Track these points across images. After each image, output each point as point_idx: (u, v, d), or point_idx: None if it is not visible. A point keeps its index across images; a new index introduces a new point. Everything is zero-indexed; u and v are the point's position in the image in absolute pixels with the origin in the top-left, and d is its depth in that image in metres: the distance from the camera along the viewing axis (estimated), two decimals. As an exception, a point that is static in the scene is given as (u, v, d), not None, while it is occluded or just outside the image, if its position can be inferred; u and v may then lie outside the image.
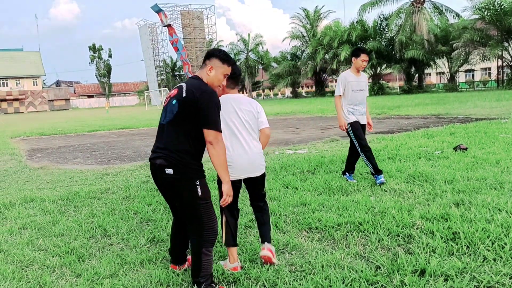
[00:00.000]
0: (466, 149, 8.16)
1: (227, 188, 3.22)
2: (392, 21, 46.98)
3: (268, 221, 3.82)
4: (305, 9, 57.67)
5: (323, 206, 5.21)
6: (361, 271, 3.35)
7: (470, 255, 3.55)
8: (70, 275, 3.68)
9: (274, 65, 65.23)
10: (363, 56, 6.19)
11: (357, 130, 6.31)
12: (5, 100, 71.52)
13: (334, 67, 49.28)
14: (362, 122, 6.38)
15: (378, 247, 3.89)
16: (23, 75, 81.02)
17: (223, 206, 3.35)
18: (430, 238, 3.93)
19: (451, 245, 3.73)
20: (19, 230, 4.93)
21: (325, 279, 3.25)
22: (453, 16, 47.02)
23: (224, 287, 3.27)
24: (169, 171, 3.10)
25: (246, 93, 73.44)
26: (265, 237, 3.73)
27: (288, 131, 15.09)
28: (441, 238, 3.89)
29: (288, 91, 70.75)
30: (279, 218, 4.88)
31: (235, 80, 3.61)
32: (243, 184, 3.76)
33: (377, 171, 6.17)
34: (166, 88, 62.98)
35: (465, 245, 3.71)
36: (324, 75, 57.74)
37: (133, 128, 20.61)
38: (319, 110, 25.19)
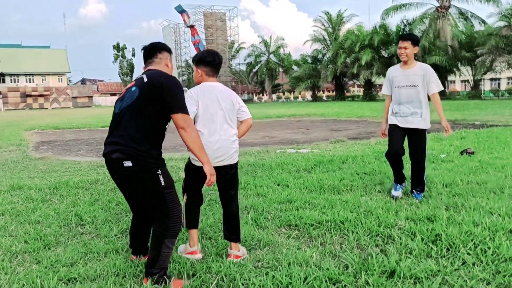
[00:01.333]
0: (473, 153, 7.85)
1: (208, 168, 3.12)
2: (416, 26, 46.21)
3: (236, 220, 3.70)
4: (328, 13, 57.28)
5: (309, 204, 5.02)
6: (327, 269, 3.16)
7: (448, 258, 3.32)
8: (31, 261, 3.58)
9: (295, 68, 64.97)
10: (399, 43, 5.14)
11: (389, 134, 5.31)
12: (30, 95, 72.83)
13: (355, 71, 48.75)
14: (405, 126, 5.12)
15: (354, 247, 3.69)
16: (49, 72, 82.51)
17: (208, 186, 3.23)
18: (410, 239, 3.71)
19: (430, 247, 3.50)
20: (-5, 217, 4.86)
21: (286, 276, 3.06)
22: (479, 22, 45.97)
23: (178, 280, 3.10)
24: (128, 163, 2.92)
25: (266, 95, 73.34)
26: (231, 232, 3.63)
27: (297, 132, 14.88)
28: (422, 240, 3.67)
29: (308, 95, 70.35)
30: (260, 214, 4.72)
31: (215, 68, 3.58)
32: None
33: (396, 180, 5.35)
34: (186, 88, 63.25)
35: (445, 248, 3.48)
36: (344, 79, 57.21)
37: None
38: (334, 113, 24.86)
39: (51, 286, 3.05)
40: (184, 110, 3.01)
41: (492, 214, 4.23)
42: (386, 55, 48.82)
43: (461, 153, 7.96)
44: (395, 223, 4.11)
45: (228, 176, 3.57)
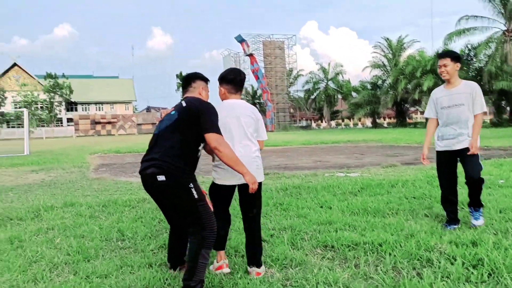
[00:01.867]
0: (535, 179, 7.32)
1: (249, 177, 3.23)
2: (481, 50, 44.38)
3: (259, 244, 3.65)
4: (388, 39, 56.43)
5: (349, 226, 4.89)
6: (355, 290, 3.03)
7: (489, 283, 3.09)
8: (69, 272, 3.72)
9: (354, 94, 64.25)
10: (439, 61, 4.85)
11: (438, 165, 5.00)
12: (99, 123, 76.87)
13: (416, 97, 47.38)
14: (453, 148, 4.75)
15: (390, 269, 3.53)
16: (117, 101, 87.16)
17: (251, 192, 3.30)
18: (450, 263, 3.49)
19: (471, 272, 3.27)
20: (46, 230, 5.12)
21: (311, 295, 2.97)
22: (551, 45, 43.45)
23: None
24: (161, 178, 3.10)
25: (325, 121, 72.84)
26: (251, 259, 3.60)
27: (351, 156, 14.59)
28: (462, 264, 3.44)
29: (368, 121, 69.12)
30: (297, 234, 4.66)
31: (236, 85, 3.64)
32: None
33: (450, 220, 4.87)
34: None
35: (486, 273, 3.24)
36: (405, 105, 55.72)
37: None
38: (392, 139, 24.19)
39: (82, 295, 3.15)
40: (217, 130, 3.20)
41: (546, 241, 3.90)
42: (449, 81, 47.10)
43: (523, 178, 7.45)
44: (436, 247, 3.90)
45: (248, 196, 3.49)
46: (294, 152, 17.90)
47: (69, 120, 78.96)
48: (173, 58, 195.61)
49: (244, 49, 67.58)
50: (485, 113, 4.86)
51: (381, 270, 3.50)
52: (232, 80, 3.61)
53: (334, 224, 4.97)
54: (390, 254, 3.85)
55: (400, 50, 55.51)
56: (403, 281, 3.09)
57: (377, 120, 62.61)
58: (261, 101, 72.41)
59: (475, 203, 4.77)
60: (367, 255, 3.88)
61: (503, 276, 3.14)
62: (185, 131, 3.22)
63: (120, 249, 4.36)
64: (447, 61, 4.76)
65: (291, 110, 70.07)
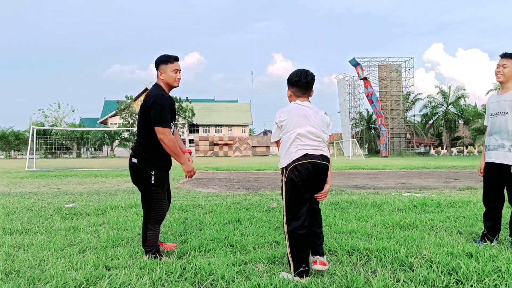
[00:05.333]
0: None
1: (185, 167, 3.99)
2: None
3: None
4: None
5: (367, 236, 4.94)
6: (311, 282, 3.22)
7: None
8: (91, 253, 4.38)
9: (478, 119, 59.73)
10: (499, 61, 4.44)
11: (483, 178, 4.68)
12: (217, 144, 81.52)
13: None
14: (494, 161, 4.40)
15: (368, 271, 3.61)
16: (235, 124, 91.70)
17: (187, 177, 4.00)
18: (426, 271, 3.47)
19: (448, 279, 3.25)
20: (102, 223, 5.92)
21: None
22: None
23: (171, 259, 3.89)
24: (134, 160, 3.93)
25: (444, 148, 68.53)
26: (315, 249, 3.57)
27: (440, 180, 13.85)
28: (441, 272, 3.40)
29: (494, 149, 63.39)
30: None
31: (301, 88, 3.56)
32: None
33: (489, 234, 4.56)
34: (355, 139, 63.18)
35: (454, 279, 3.19)
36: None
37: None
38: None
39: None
40: (163, 124, 3.78)
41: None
42: None
43: None
44: (420, 253, 3.86)
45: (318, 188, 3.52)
46: (386, 175, 17.42)
47: (191, 141, 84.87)
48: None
49: (358, 73, 67.07)
50: None
51: (357, 271, 3.60)
52: (296, 82, 3.55)
53: (353, 234, 5.05)
54: (380, 260, 3.91)
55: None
56: (359, 279, 3.19)
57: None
58: (376, 125, 70.70)
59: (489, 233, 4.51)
60: (359, 259, 3.98)
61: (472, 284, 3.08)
62: (147, 123, 3.86)
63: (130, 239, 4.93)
64: (509, 62, 4.36)
65: (407, 136, 67.28)
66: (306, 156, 3.39)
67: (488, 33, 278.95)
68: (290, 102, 3.68)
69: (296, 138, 3.45)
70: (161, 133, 3.77)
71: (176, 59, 4.00)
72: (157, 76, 4.00)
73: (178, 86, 4.07)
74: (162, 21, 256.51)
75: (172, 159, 4.07)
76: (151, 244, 3.96)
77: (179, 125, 79.97)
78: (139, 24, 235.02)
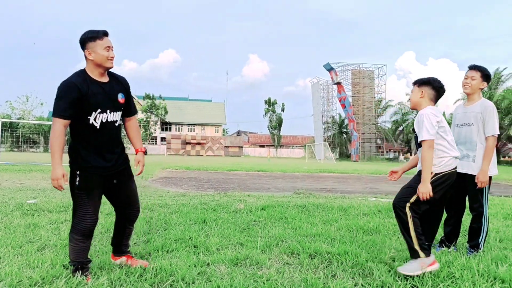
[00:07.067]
0: None
1: (52, 173, 3.18)
2: None
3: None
4: (484, 71, 53.22)
5: (331, 239, 4.99)
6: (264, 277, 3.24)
7: (401, 292, 3.12)
8: (50, 250, 4.28)
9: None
10: (467, 72, 4.58)
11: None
12: (189, 143, 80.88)
13: (511, 133, 44.09)
14: (459, 170, 4.24)
15: (328, 275, 3.65)
16: (208, 123, 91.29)
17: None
18: (388, 274, 3.54)
19: (404, 283, 3.32)
20: (63, 220, 5.80)
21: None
22: None
23: (90, 278, 3.35)
24: (68, 157, 3.42)
25: (414, 155, 69.98)
26: None
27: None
28: (395, 275, 3.47)
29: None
30: (274, 241, 4.83)
31: (439, 95, 3.92)
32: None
33: (447, 240, 4.74)
34: (326, 143, 63.86)
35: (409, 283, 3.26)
36: (499, 142, 51.91)
37: (267, 172, 21.54)
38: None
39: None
40: (55, 114, 3.19)
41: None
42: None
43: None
44: (382, 260, 3.94)
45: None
46: (354, 179, 17.67)
47: (163, 139, 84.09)
48: (268, 84, 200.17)
49: (332, 78, 67.72)
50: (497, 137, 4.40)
51: (317, 274, 3.64)
52: (438, 88, 3.88)
53: (317, 237, 5.10)
54: (341, 263, 3.96)
55: (496, 83, 52.17)
56: (318, 282, 3.23)
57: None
58: (348, 130, 71.59)
59: (469, 241, 4.58)
60: (321, 263, 4.02)
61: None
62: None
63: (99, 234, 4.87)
64: (477, 74, 4.49)
65: (378, 141, 68.39)
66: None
67: (458, 44, 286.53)
68: (416, 102, 3.92)
69: None
70: (53, 123, 3.20)
71: (105, 33, 3.35)
72: (85, 57, 3.35)
73: (112, 67, 3.42)
74: (137, 15, 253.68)
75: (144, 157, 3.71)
76: (72, 258, 3.39)
77: (151, 122, 79.13)
78: (112, 18, 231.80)
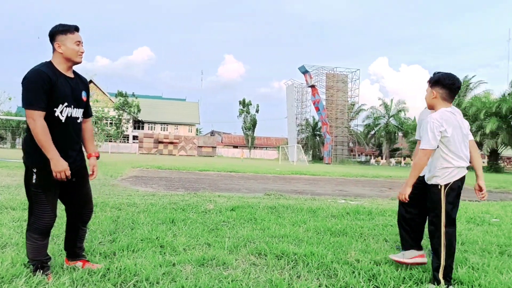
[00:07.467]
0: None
1: (53, 164, 3.11)
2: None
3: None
4: (453, 78, 54.56)
5: (298, 240, 5.04)
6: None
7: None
8: (11, 248, 4.18)
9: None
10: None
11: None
12: (162, 142, 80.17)
13: (478, 140, 45.30)
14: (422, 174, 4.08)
15: (293, 276, 3.67)
16: (181, 122, 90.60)
17: (56, 177, 3.14)
18: (352, 275, 3.60)
19: (367, 285, 3.37)
20: (26, 219, 5.64)
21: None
22: None
23: (51, 277, 3.28)
24: (23, 155, 3.31)
25: (385, 159, 71.25)
26: None
27: (375, 189, 14.39)
28: (362, 277, 3.53)
29: (429, 162, 66.47)
30: (242, 241, 4.84)
31: (452, 92, 3.65)
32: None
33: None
34: (300, 145, 64.30)
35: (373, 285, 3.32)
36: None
37: (240, 172, 21.53)
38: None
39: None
40: (31, 106, 3.06)
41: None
42: (516, 124, 44.82)
43: (520, 219, 7.15)
44: (347, 260, 4.00)
45: None
46: (325, 181, 17.86)
47: (135, 137, 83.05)
48: (243, 85, 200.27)
49: (307, 80, 68.27)
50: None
51: (282, 275, 3.66)
52: (449, 85, 3.60)
53: (285, 238, 5.13)
54: (307, 264, 4.00)
55: (465, 91, 53.58)
56: (282, 283, 3.25)
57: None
58: (321, 132, 72.26)
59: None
60: (287, 263, 4.05)
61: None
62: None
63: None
64: (428, 87, 4.21)
65: (350, 144, 69.28)
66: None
67: (430, 52, 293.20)
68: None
69: None
70: (29, 116, 3.06)
71: (76, 29, 3.32)
72: (53, 49, 3.28)
73: (81, 62, 3.35)
74: (111, 11, 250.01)
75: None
76: (31, 257, 3.31)
77: (124, 120, 78.02)
78: (85, 12, 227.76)
